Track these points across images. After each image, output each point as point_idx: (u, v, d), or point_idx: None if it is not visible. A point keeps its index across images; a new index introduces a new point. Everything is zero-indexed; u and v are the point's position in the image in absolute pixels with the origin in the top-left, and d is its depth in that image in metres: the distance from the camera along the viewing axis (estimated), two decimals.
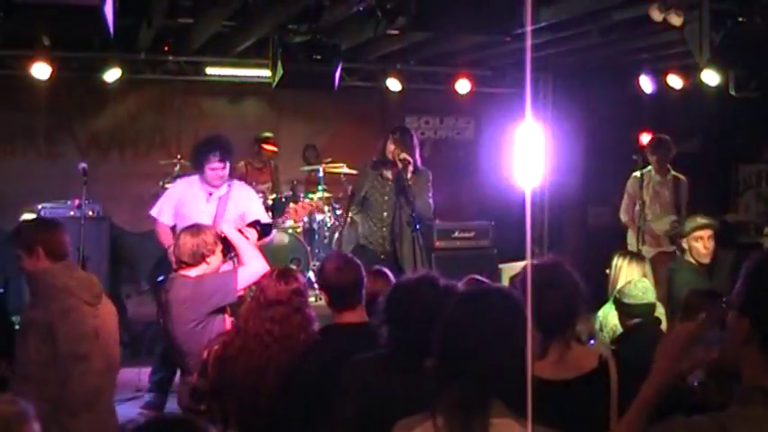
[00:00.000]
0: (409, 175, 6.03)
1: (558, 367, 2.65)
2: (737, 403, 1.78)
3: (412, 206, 5.93)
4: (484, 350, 2.04)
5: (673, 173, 7.56)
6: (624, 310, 4.29)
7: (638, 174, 7.57)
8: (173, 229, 5.84)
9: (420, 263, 5.88)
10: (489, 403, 2.00)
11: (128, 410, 6.03)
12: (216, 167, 5.72)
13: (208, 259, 4.54)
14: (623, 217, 7.68)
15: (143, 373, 6.53)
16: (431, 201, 6.27)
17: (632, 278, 4.85)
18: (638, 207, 7.47)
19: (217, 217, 5.74)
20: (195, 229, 4.69)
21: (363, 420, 2.73)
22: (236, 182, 6.06)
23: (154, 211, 5.94)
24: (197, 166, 5.86)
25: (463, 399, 2.01)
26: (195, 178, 5.95)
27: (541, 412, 2.00)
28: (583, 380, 2.65)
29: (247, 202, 5.99)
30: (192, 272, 4.54)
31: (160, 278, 5.57)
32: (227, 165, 5.77)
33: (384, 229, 6.24)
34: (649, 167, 7.54)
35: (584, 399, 2.61)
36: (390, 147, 6.09)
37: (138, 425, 1.70)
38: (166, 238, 5.76)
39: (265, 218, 5.95)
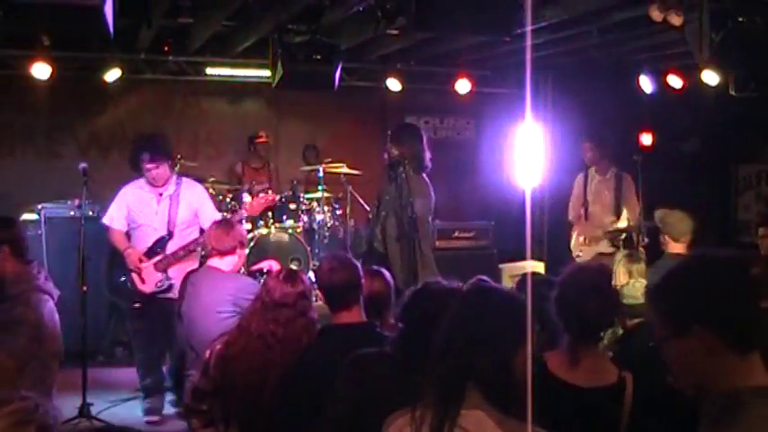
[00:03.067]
0: (404, 175, 5.93)
1: (583, 374, 2.68)
2: (731, 411, 1.72)
3: (411, 208, 5.87)
4: (460, 344, 2.09)
5: (614, 170, 7.48)
6: (624, 310, 4.29)
7: (582, 173, 7.62)
8: (127, 234, 5.96)
9: (420, 268, 5.83)
10: (462, 395, 2.03)
11: (128, 411, 6.04)
12: (149, 168, 5.85)
13: (239, 251, 4.79)
14: (570, 215, 7.69)
15: None
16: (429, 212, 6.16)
17: (628, 278, 4.85)
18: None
19: (170, 216, 5.79)
20: (228, 222, 4.90)
21: (358, 418, 2.73)
22: (185, 180, 6.12)
23: (106, 220, 6.03)
24: (134, 167, 5.98)
25: (437, 389, 2.06)
26: (142, 181, 6.01)
27: (554, 414, 2.01)
28: (601, 391, 2.66)
29: (199, 201, 6.04)
30: (224, 262, 4.73)
31: (122, 278, 5.71)
32: (162, 165, 5.87)
33: (376, 229, 6.19)
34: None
35: (599, 410, 2.63)
36: (388, 146, 6.05)
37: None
38: (121, 243, 5.89)
39: (217, 216, 6.03)
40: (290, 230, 8.37)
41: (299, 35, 6.76)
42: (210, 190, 8.74)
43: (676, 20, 5.46)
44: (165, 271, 5.79)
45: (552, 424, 2.03)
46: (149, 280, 5.78)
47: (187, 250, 5.84)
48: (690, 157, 9.53)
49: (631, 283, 4.42)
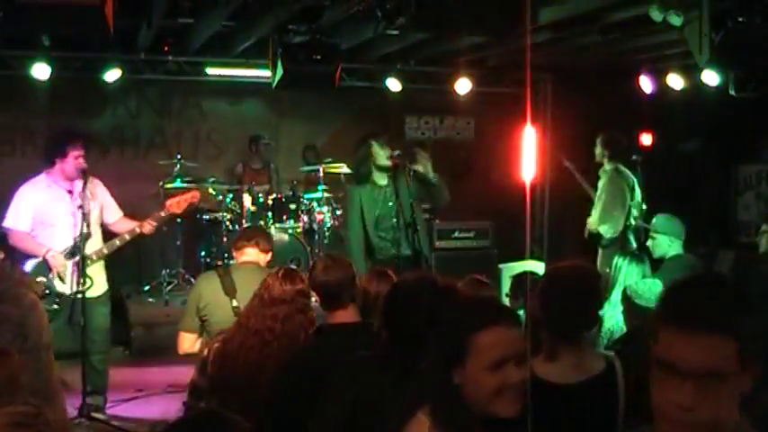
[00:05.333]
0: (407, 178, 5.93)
1: (567, 371, 2.66)
2: None
3: (412, 208, 5.87)
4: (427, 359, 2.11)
5: (608, 167, 7.31)
6: (633, 309, 4.26)
7: None
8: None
9: (422, 265, 5.82)
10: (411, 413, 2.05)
11: (128, 411, 6.04)
12: (80, 155, 5.63)
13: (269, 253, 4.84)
14: None
15: (143, 373, 6.54)
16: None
17: (633, 278, 4.83)
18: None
19: (85, 214, 5.65)
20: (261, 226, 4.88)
21: (354, 421, 2.73)
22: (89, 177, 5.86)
23: (9, 223, 5.73)
24: (58, 155, 5.66)
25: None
26: (41, 179, 5.77)
27: (548, 416, 1.99)
28: (591, 383, 2.65)
29: (103, 194, 5.90)
30: (262, 258, 4.73)
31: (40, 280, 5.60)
32: (85, 156, 5.69)
33: (397, 234, 6.12)
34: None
35: (593, 402, 2.62)
36: (379, 151, 5.99)
37: (169, 423, 1.69)
38: (36, 246, 5.65)
39: (117, 210, 5.91)
40: (289, 230, 8.37)
41: (298, 35, 6.76)
42: (210, 190, 8.76)
43: (676, 20, 5.46)
44: (85, 270, 5.63)
45: (547, 428, 2.01)
46: (70, 281, 5.63)
47: (113, 246, 5.75)
48: (690, 157, 9.53)
49: (648, 285, 4.35)
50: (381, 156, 5.96)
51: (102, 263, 5.82)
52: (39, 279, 5.50)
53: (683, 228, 5.69)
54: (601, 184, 7.28)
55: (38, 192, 5.74)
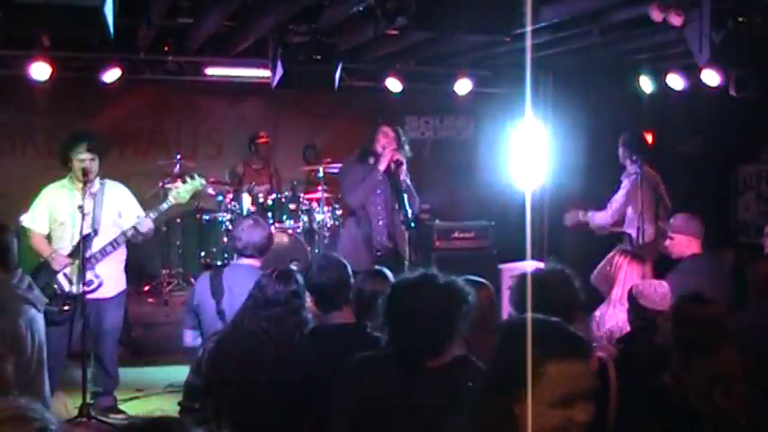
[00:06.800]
0: (402, 177, 5.99)
1: None
2: None
3: (405, 207, 5.88)
4: None
5: (631, 170, 7.24)
6: (636, 309, 4.27)
7: None
8: (48, 237, 5.81)
9: (417, 263, 5.83)
10: None
11: (128, 410, 6.03)
12: (84, 158, 5.67)
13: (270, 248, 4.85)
14: None
15: (143, 373, 6.54)
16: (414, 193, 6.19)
17: (633, 279, 4.82)
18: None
19: (95, 214, 5.68)
20: (260, 222, 4.94)
21: (361, 419, 2.73)
22: (108, 180, 5.93)
23: (27, 222, 5.85)
24: (65, 159, 5.77)
25: None
26: (63, 181, 5.88)
27: None
28: None
29: (123, 200, 5.92)
30: (260, 260, 4.75)
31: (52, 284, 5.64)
32: (95, 159, 5.73)
33: (380, 222, 6.14)
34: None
35: None
36: (382, 141, 6.08)
37: (120, 427, 1.69)
38: (44, 248, 5.73)
39: (142, 214, 5.89)
40: (289, 230, 8.37)
41: (298, 35, 6.76)
42: (210, 190, 8.76)
43: (676, 20, 5.45)
44: (92, 269, 5.67)
45: None
46: (78, 280, 5.63)
47: (115, 243, 5.75)
48: (690, 157, 9.52)
49: (653, 286, 4.34)
50: (379, 141, 6.05)
51: (116, 263, 5.82)
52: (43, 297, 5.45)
53: (702, 228, 5.67)
54: (628, 188, 7.17)
55: (56, 191, 5.87)
